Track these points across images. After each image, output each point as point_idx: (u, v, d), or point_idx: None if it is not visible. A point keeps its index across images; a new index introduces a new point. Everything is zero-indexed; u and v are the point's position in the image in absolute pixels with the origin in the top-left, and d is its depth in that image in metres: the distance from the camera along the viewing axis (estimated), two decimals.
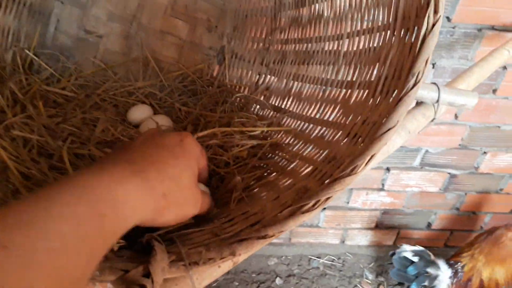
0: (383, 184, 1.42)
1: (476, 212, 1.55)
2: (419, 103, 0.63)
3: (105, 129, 0.57)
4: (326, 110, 0.52)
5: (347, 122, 0.47)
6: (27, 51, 0.65)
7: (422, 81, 0.41)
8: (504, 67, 1.17)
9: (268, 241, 0.38)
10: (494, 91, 1.21)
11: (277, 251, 1.59)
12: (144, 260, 0.37)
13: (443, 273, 1.19)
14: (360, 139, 0.43)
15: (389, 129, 0.39)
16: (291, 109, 0.59)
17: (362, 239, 1.61)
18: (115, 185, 0.28)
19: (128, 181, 0.29)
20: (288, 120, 0.58)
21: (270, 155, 0.54)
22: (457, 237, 1.63)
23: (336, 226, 1.55)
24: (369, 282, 1.53)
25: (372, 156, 0.39)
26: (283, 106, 0.61)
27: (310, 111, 0.55)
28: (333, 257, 1.61)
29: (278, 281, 1.48)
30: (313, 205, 0.39)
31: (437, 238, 1.64)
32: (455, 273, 1.19)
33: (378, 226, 1.57)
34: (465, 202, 1.52)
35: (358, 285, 1.52)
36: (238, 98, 0.66)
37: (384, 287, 1.51)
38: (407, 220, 1.56)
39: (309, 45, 0.60)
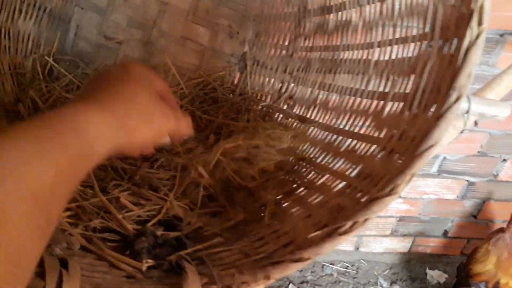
0: None
1: (494, 220, 1.52)
2: None
3: None
4: (356, 122, 0.51)
5: (381, 136, 0.45)
6: (47, 58, 0.64)
7: (465, 96, 0.39)
8: None
9: (304, 265, 0.36)
10: None
11: None
12: (175, 282, 0.35)
13: None
14: (397, 155, 0.41)
15: (430, 146, 0.37)
16: (317, 119, 0.58)
17: (376, 246, 1.58)
18: (70, 111, 0.28)
19: (83, 107, 0.30)
20: (315, 131, 0.56)
21: (297, 167, 0.53)
22: (473, 246, 1.60)
23: None
24: None
25: (412, 175, 0.38)
26: (308, 116, 0.59)
27: (338, 122, 0.53)
28: (347, 264, 1.58)
29: (291, 287, 1.46)
30: (351, 227, 0.37)
31: (453, 246, 1.61)
32: None
33: (393, 233, 1.54)
34: (483, 210, 1.49)
35: None
36: (260, 107, 0.65)
37: None
38: (423, 228, 1.53)
39: (336, 53, 0.58)
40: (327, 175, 0.48)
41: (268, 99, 0.66)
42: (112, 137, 0.31)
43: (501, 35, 1.07)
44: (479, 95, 0.70)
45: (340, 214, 0.39)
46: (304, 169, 0.52)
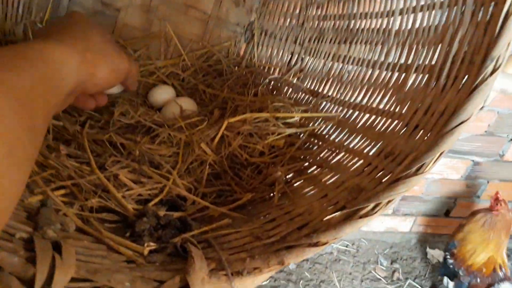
0: None
1: None
2: None
3: (125, 112, 0.52)
4: (374, 96, 0.47)
5: (403, 111, 0.42)
6: (39, 24, 0.59)
7: (503, 67, 0.35)
8: None
9: (320, 249, 0.33)
10: None
11: None
12: (180, 268, 0.32)
13: None
14: (423, 131, 0.37)
15: (462, 122, 0.34)
16: (330, 93, 0.54)
17: (377, 225, 1.57)
18: (34, 44, 0.30)
19: (46, 41, 0.31)
20: (328, 106, 0.52)
21: (310, 145, 0.49)
22: None
23: None
24: (384, 268, 1.50)
25: (441, 153, 0.34)
26: (320, 90, 0.56)
27: (354, 97, 0.50)
28: (347, 243, 1.58)
29: (291, 265, 1.45)
30: (373, 209, 0.34)
31: (454, 226, 1.60)
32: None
33: (395, 212, 1.53)
34: (487, 190, 1.47)
35: (373, 271, 1.49)
36: (268, 80, 0.61)
37: (399, 274, 1.48)
38: (425, 207, 1.52)
39: (352, 22, 0.54)
40: (343, 153, 0.44)
41: (277, 72, 0.62)
42: (76, 67, 0.32)
43: None
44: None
45: (360, 195, 0.36)
46: (317, 147, 0.49)
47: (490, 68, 0.34)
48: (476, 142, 1.32)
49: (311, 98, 0.55)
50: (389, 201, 0.34)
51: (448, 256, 1.27)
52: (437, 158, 0.34)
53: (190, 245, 0.34)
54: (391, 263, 1.53)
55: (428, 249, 1.58)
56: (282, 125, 0.49)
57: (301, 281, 1.32)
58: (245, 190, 0.45)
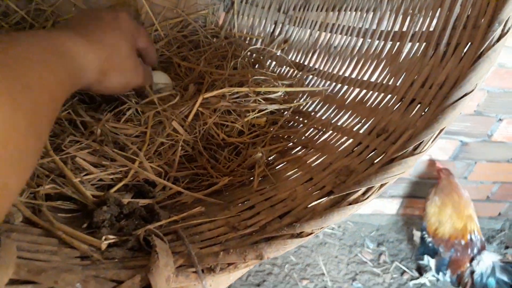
0: None
1: (484, 181, 1.49)
2: None
3: None
4: (365, 68, 0.42)
5: (397, 84, 0.37)
6: None
7: None
8: None
9: (305, 240, 0.29)
10: None
11: None
12: (141, 265, 0.28)
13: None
14: (420, 106, 0.33)
15: (465, 95, 0.30)
16: (317, 66, 0.49)
17: (364, 207, 1.55)
18: (64, 37, 0.31)
19: (75, 38, 0.33)
20: (314, 80, 0.48)
21: (294, 123, 0.45)
22: None
23: None
24: (370, 251, 1.49)
25: (441, 130, 0.30)
26: (306, 63, 0.51)
27: (343, 70, 0.45)
28: (333, 225, 1.55)
29: None
30: (364, 194, 0.29)
31: None
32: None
33: (382, 194, 1.51)
34: (474, 171, 1.46)
35: (359, 254, 1.47)
36: (249, 53, 0.56)
37: (385, 257, 1.47)
38: (412, 189, 1.50)
39: None
40: (330, 132, 0.40)
41: (259, 43, 0.57)
42: (92, 73, 0.34)
43: None
44: None
45: (350, 178, 0.32)
46: (302, 125, 0.44)
47: (497, 33, 0.30)
48: (465, 122, 1.29)
49: (296, 71, 0.51)
50: (382, 185, 0.29)
51: (426, 235, 1.27)
52: (437, 135, 0.30)
53: (155, 238, 0.30)
54: (378, 246, 1.52)
55: (414, 231, 1.57)
56: (263, 101, 0.45)
57: (286, 265, 1.30)
58: (222, 174, 0.40)
